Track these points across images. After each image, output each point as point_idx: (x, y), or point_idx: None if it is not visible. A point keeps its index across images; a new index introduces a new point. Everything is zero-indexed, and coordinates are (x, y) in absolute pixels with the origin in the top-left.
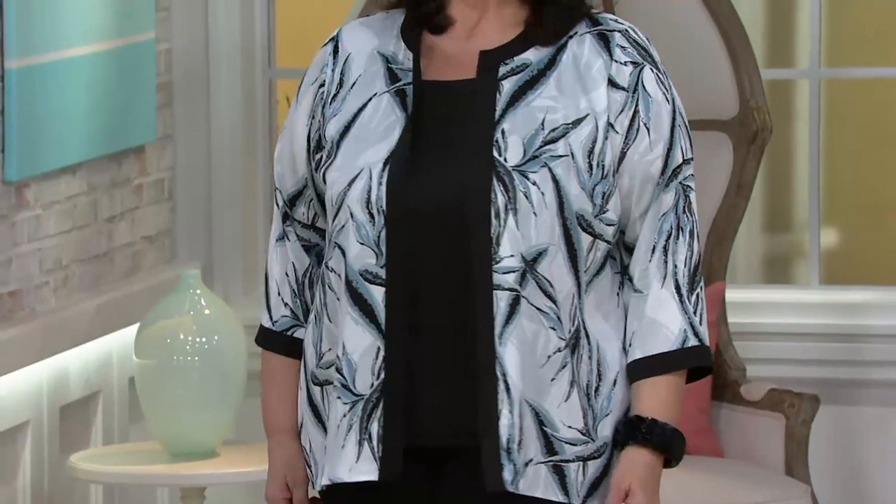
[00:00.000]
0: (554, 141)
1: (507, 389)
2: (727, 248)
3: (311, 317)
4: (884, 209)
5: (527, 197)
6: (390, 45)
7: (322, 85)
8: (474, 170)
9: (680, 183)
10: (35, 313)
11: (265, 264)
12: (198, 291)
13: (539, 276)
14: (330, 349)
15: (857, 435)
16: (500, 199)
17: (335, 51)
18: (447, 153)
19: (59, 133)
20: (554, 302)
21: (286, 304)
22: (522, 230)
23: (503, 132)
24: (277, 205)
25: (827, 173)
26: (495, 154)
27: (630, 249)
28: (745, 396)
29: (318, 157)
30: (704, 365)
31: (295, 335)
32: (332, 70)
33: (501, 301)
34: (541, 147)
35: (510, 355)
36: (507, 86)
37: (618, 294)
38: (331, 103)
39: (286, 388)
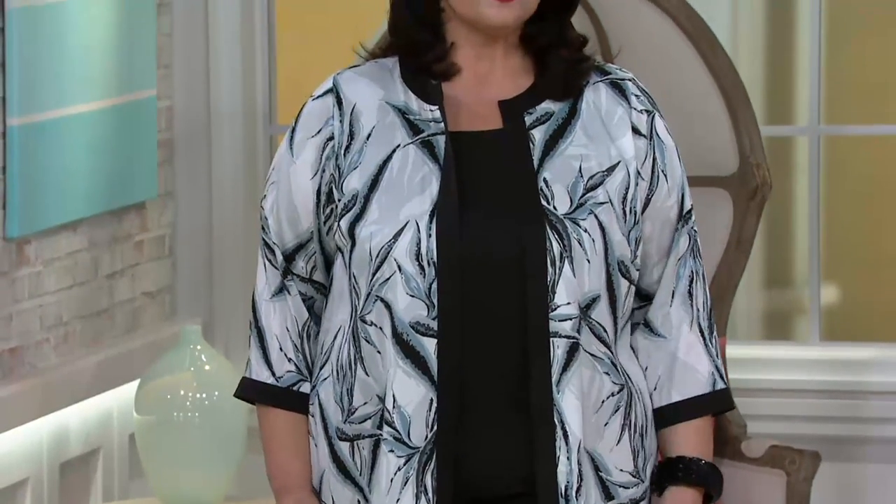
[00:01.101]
0: (594, 188)
1: (566, 436)
2: (727, 304)
3: (330, 372)
4: (884, 265)
5: (580, 244)
6: (398, 94)
7: (330, 138)
8: (527, 219)
9: (691, 227)
10: (35, 370)
11: (253, 319)
12: (198, 347)
13: (592, 321)
14: (365, 403)
15: (859, 492)
16: (556, 247)
17: (338, 102)
18: (492, 203)
19: (60, 190)
20: (607, 347)
21: (290, 360)
22: (578, 277)
23: (546, 181)
24: (270, 259)
25: (827, 229)
26: (544, 203)
27: (642, 294)
28: (746, 453)
29: (328, 210)
30: (730, 408)
31: (300, 390)
32: (340, 122)
33: (559, 349)
34: (584, 195)
35: (568, 402)
36: (538, 135)
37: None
38: (345, 155)
39: (300, 446)
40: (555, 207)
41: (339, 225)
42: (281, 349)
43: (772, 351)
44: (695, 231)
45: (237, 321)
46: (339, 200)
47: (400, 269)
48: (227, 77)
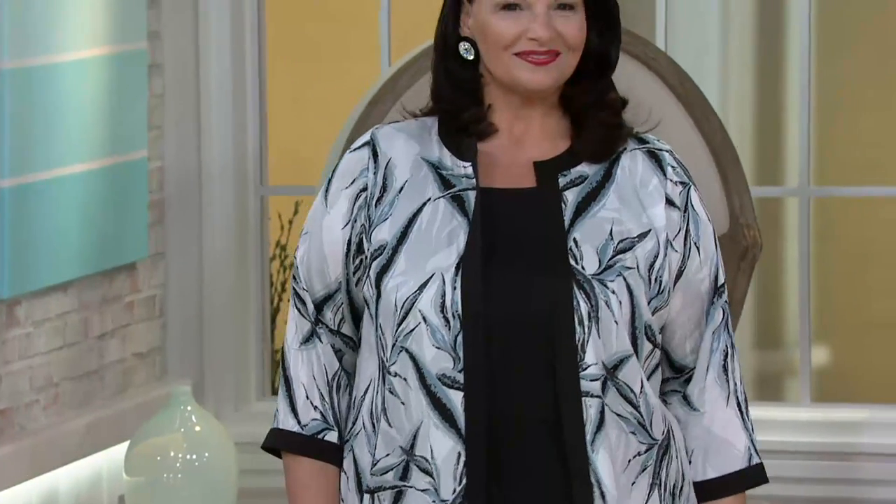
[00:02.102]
0: (623, 252)
1: (603, 496)
2: None
3: (361, 426)
4: (874, 327)
5: (608, 305)
6: (433, 151)
7: (364, 189)
8: (555, 277)
9: (724, 301)
10: (25, 431)
11: (282, 369)
12: (188, 408)
13: (620, 382)
14: (388, 455)
15: None
16: (584, 306)
17: (374, 154)
18: (520, 259)
19: (51, 251)
20: (635, 407)
21: (315, 408)
22: (604, 338)
23: (576, 241)
24: (300, 308)
25: (817, 290)
26: (572, 262)
27: (674, 366)
28: None
29: (357, 261)
30: (764, 481)
31: (326, 438)
32: (374, 174)
33: (591, 408)
34: (613, 257)
35: (602, 462)
36: (571, 196)
37: (663, 400)
38: (376, 206)
39: (325, 494)
40: (583, 267)
41: (367, 276)
42: (307, 397)
43: (763, 412)
44: (727, 304)
45: (228, 382)
46: (368, 251)
47: (425, 321)
48: (218, 138)
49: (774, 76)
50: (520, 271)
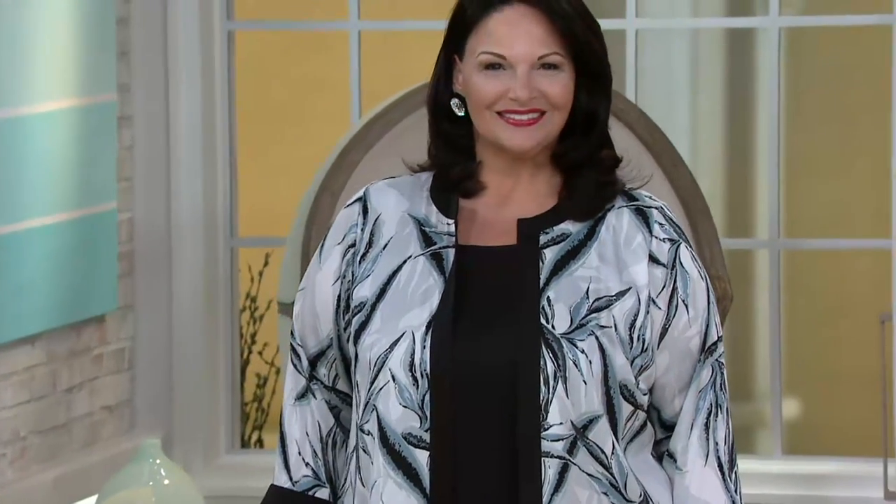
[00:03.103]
0: (598, 310)
1: None
2: None
3: (348, 481)
4: (845, 380)
5: (576, 365)
6: (421, 207)
7: (352, 245)
8: (522, 336)
9: (716, 360)
10: None
11: (279, 425)
12: (157, 461)
13: (590, 442)
14: None
15: None
16: (550, 365)
17: (364, 210)
18: (491, 318)
19: (19, 303)
20: (606, 468)
21: (307, 464)
22: (573, 398)
23: (549, 300)
24: (295, 364)
25: (788, 342)
26: (543, 321)
27: (666, 425)
28: None
29: (346, 317)
30: None
31: (317, 495)
32: (362, 230)
33: (550, 468)
34: (587, 316)
35: None
36: (550, 255)
37: (652, 454)
38: (360, 263)
39: None
40: (553, 326)
41: (348, 333)
42: (299, 453)
43: None
44: (720, 363)
45: (197, 435)
46: (354, 309)
47: (394, 379)
48: (187, 189)
49: (744, 129)
50: (490, 330)
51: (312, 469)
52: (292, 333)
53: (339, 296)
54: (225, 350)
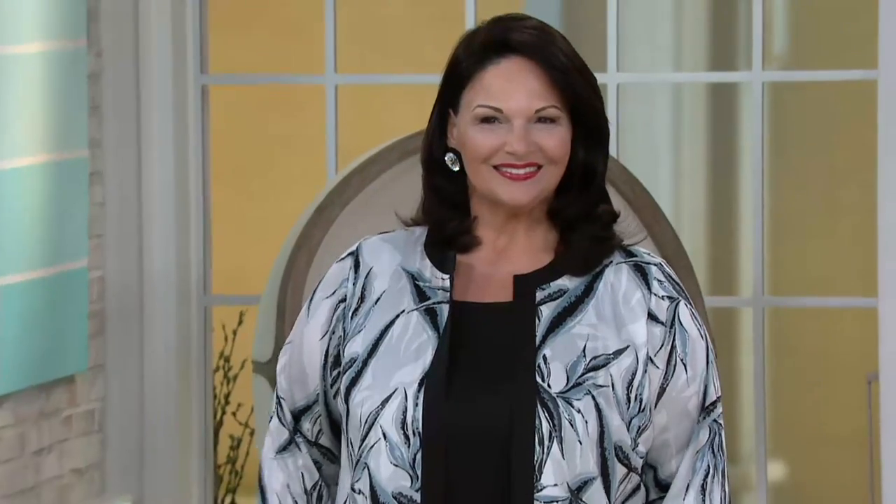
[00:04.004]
0: (595, 369)
1: None
2: None
3: None
4: (831, 441)
5: (572, 425)
6: (415, 261)
7: (343, 300)
8: (517, 395)
9: (714, 420)
10: None
11: (258, 479)
12: None
13: None
14: None
15: None
16: (545, 425)
17: (356, 265)
18: (486, 376)
19: None
20: None
21: None
22: (568, 458)
23: (545, 358)
24: (280, 416)
25: (773, 403)
26: (538, 380)
27: (661, 485)
28: None
29: (335, 372)
30: None
31: None
32: (354, 284)
33: None
34: (583, 375)
35: None
36: (546, 311)
37: None
38: (352, 318)
39: None
40: (549, 385)
41: (337, 389)
42: None
43: None
44: (719, 425)
45: (169, 499)
46: (344, 364)
47: (385, 437)
48: (160, 247)
49: (727, 185)
50: (484, 388)
51: None
52: (278, 385)
53: (327, 350)
54: (198, 411)
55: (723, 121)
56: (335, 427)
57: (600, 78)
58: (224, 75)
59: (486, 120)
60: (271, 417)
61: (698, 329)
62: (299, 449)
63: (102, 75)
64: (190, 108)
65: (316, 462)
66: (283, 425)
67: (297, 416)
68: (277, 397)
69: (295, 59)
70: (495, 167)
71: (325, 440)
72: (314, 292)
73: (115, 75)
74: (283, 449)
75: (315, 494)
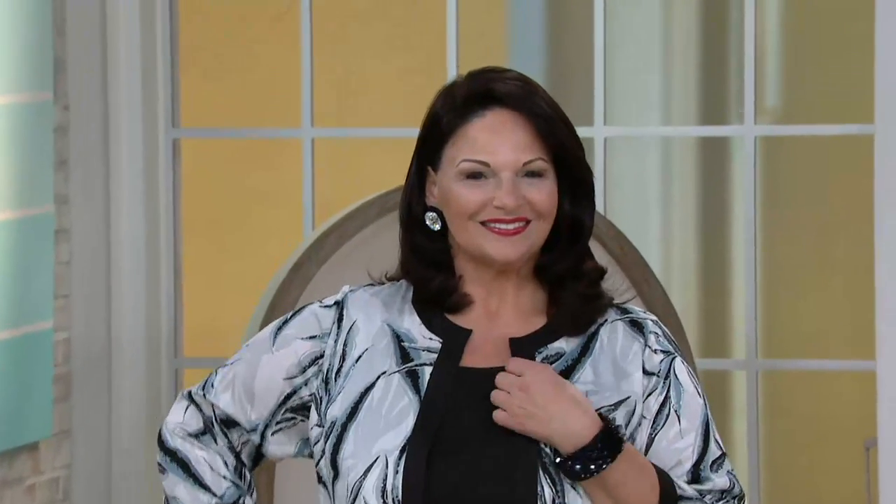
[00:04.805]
0: None
1: None
2: None
3: None
4: None
5: (574, 488)
6: (402, 319)
7: (321, 356)
8: (516, 461)
9: (728, 471)
10: None
11: (165, 458)
12: None
13: None
14: None
15: None
16: (548, 492)
17: (339, 318)
18: (475, 442)
19: None
20: None
21: (225, 477)
22: None
23: None
24: (200, 405)
25: (767, 469)
26: (541, 444)
27: None
28: None
29: (289, 417)
30: None
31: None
32: (335, 341)
33: None
34: None
35: None
36: None
37: None
38: (335, 380)
39: None
40: (551, 450)
41: (322, 452)
42: (212, 469)
43: None
44: (733, 475)
45: None
46: (324, 426)
47: None
48: (129, 307)
49: (718, 242)
50: (473, 455)
51: (231, 481)
52: (210, 384)
53: (290, 395)
54: None
55: (714, 176)
56: (258, 459)
57: (587, 131)
58: (196, 129)
59: (473, 175)
60: (183, 401)
61: (695, 386)
62: (215, 441)
63: (69, 128)
64: (161, 162)
65: (231, 450)
66: (201, 414)
67: (228, 422)
68: (204, 393)
69: (270, 111)
70: (482, 223)
71: (245, 458)
72: (284, 323)
73: (82, 128)
74: (200, 435)
75: (241, 462)
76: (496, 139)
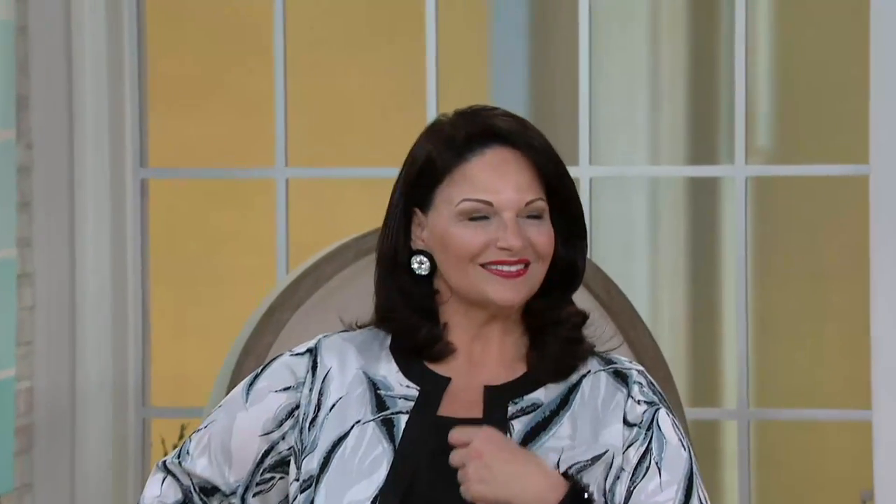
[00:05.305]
0: None
1: None
2: None
3: None
4: None
5: None
6: (379, 366)
7: (297, 407)
8: None
9: None
10: None
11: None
12: None
13: None
14: None
15: None
16: None
17: (313, 366)
18: (448, 496)
19: None
20: None
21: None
22: None
23: None
24: (176, 475)
25: None
26: None
27: None
28: None
29: (269, 475)
30: None
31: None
32: (310, 390)
33: None
34: None
35: None
36: (518, 426)
37: None
38: (309, 430)
39: None
40: None
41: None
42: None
43: None
44: None
45: None
46: (300, 479)
47: None
48: (95, 355)
49: (708, 287)
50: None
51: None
52: (185, 451)
53: (268, 452)
54: None
55: (703, 218)
56: None
57: (572, 171)
58: (165, 169)
59: (474, 215)
60: (163, 476)
61: (679, 439)
62: (180, 482)
63: (33, 168)
64: (128, 203)
65: None
66: (179, 484)
67: (206, 489)
68: (179, 461)
69: (242, 150)
70: (483, 265)
71: None
72: (256, 377)
73: (46, 168)
74: (167, 472)
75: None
76: (498, 178)
